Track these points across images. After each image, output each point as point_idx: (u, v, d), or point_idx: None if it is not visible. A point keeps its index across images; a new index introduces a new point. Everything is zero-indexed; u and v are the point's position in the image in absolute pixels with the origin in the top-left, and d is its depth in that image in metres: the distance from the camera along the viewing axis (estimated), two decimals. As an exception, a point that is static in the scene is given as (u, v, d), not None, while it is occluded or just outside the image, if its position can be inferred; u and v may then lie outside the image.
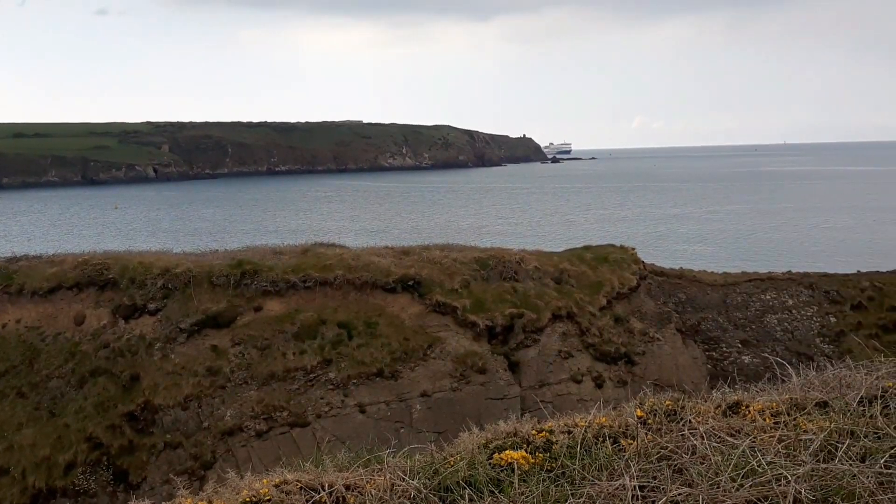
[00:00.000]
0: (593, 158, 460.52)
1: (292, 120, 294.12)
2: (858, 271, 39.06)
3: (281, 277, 28.66)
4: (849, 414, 4.45)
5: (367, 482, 4.32)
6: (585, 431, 4.67)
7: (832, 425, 4.21)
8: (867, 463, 3.73)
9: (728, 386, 5.92)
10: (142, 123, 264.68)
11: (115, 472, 24.79)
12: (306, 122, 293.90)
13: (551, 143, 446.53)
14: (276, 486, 4.38)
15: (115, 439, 25.23)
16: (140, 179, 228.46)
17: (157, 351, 26.97)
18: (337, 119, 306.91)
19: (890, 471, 3.59)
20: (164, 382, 26.13)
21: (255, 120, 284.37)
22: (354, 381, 26.69)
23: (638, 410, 4.97)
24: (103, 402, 25.93)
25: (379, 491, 4.19)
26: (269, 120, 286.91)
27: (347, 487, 4.29)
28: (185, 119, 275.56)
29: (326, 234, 72.42)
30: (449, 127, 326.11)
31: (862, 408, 4.52)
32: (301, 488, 4.34)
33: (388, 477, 4.29)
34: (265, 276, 28.63)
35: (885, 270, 38.86)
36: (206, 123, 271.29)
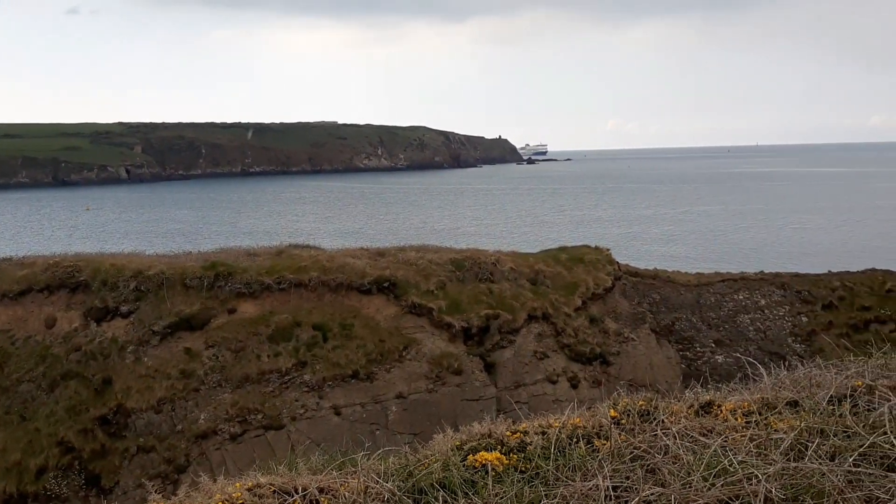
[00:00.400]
0: (568, 160, 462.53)
1: (266, 121, 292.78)
2: (829, 271, 39.57)
3: (255, 279, 28.49)
4: (818, 413, 4.50)
5: (341, 485, 4.30)
6: (559, 432, 4.68)
7: (802, 424, 4.26)
8: (836, 461, 3.77)
9: (701, 385, 5.97)
10: (114, 124, 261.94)
11: (88, 476, 24.49)
12: (281, 123, 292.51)
13: (527, 145, 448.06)
14: (249, 489, 4.35)
15: (87, 443, 24.93)
16: (112, 180, 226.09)
17: (129, 354, 26.70)
18: (312, 120, 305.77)
19: (858, 469, 3.64)
20: (137, 385, 25.86)
21: (229, 120, 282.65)
22: (329, 383, 26.59)
23: (612, 411, 4.99)
24: (75, 406, 25.61)
25: (352, 494, 4.18)
26: (243, 120, 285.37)
27: (321, 490, 4.27)
28: (158, 119, 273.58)
29: (301, 235, 72.14)
30: (424, 128, 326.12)
31: (831, 407, 4.58)
32: (274, 492, 4.31)
33: (361, 480, 4.27)
34: (239, 277, 28.45)
35: (855, 270, 39.39)
36: (180, 124, 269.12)
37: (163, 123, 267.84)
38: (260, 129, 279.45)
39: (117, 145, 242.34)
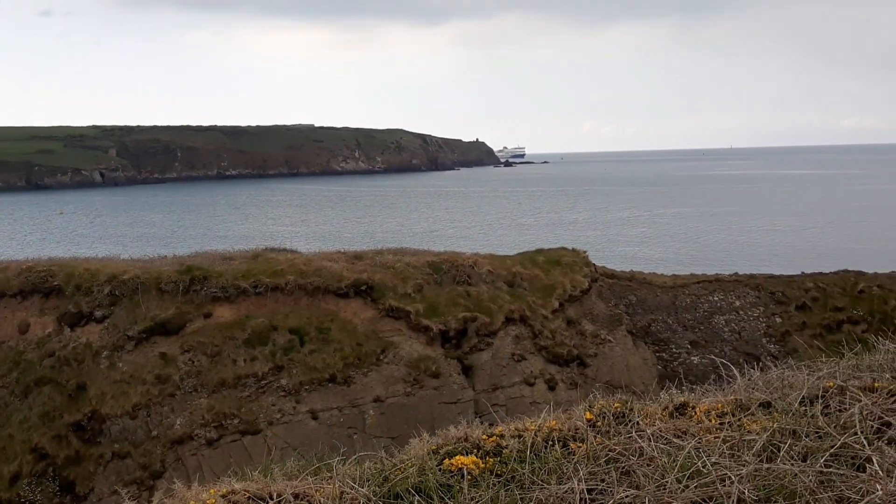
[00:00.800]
0: (545, 162, 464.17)
1: (243, 124, 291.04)
2: (803, 273, 39.98)
3: (231, 283, 28.31)
4: (791, 414, 4.54)
5: (317, 490, 4.28)
6: (535, 435, 4.69)
7: (775, 425, 4.30)
8: (808, 462, 3.81)
9: (676, 387, 6.00)
10: (88, 127, 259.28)
11: (62, 483, 24.20)
12: (257, 126, 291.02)
13: (505, 147, 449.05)
14: (224, 496, 4.32)
15: (61, 450, 24.64)
16: (86, 184, 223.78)
17: (104, 359, 26.42)
18: (288, 123, 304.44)
19: (830, 469, 3.67)
20: (112, 391, 25.60)
21: (205, 124, 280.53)
22: (307, 387, 26.47)
23: (587, 413, 5.01)
24: (49, 412, 25.31)
25: (328, 499, 4.16)
26: (219, 123, 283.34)
27: (296, 496, 4.24)
28: (133, 122, 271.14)
29: (277, 238, 71.77)
30: (402, 131, 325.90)
31: (803, 408, 4.62)
32: (249, 498, 4.28)
33: (337, 485, 4.25)
34: (215, 281, 28.25)
35: (828, 272, 39.84)
36: (155, 127, 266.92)
37: (138, 126, 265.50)
38: (236, 131, 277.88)
39: (91, 149, 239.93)
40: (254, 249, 33.52)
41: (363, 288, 29.80)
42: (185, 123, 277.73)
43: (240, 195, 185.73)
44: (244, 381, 26.18)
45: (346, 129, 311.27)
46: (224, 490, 4.39)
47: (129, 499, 6.85)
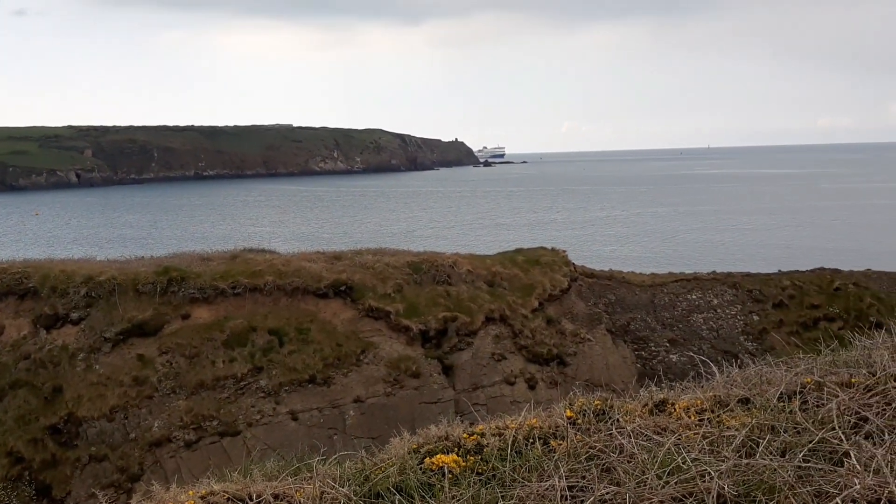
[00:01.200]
0: (524, 162, 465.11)
1: (220, 124, 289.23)
2: (780, 271, 40.36)
3: (209, 284, 28.13)
4: (769, 410, 4.57)
5: (296, 491, 4.25)
6: (516, 433, 4.69)
7: (753, 421, 4.32)
8: (787, 457, 3.83)
9: (656, 384, 6.02)
10: (63, 128, 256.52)
11: (38, 486, 23.94)
12: (235, 126, 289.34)
13: (485, 147, 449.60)
14: (202, 497, 4.28)
15: (37, 453, 24.37)
16: (62, 185, 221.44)
17: (80, 361, 26.15)
18: (266, 123, 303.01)
19: (808, 464, 3.70)
20: (89, 394, 25.35)
21: (182, 124, 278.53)
22: (286, 388, 26.35)
23: (568, 411, 5.01)
24: (24, 416, 25.02)
25: (308, 499, 4.13)
26: (197, 124, 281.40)
27: (276, 497, 4.21)
28: (109, 123, 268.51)
29: (255, 239, 71.48)
30: (381, 131, 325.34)
31: (782, 403, 4.65)
32: (228, 499, 4.24)
33: (317, 485, 4.23)
34: (193, 282, 28.06)
35: (804, 270, 40.24)
36: (131, 127, 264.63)
37: (114, 127, 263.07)
38: (214, 132, 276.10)
39: (67, 149, 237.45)
40: (232, 250, 33.34)
41: (343, 288, 29.72)
42: (161, 123, 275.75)
43: (217, 196, 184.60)
44: (223, 382, 26.01)
45: (324, 129, 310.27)
46: (203, 491, 4.35)
47: (106, 502, 6.78)
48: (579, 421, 4.85)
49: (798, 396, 4.71)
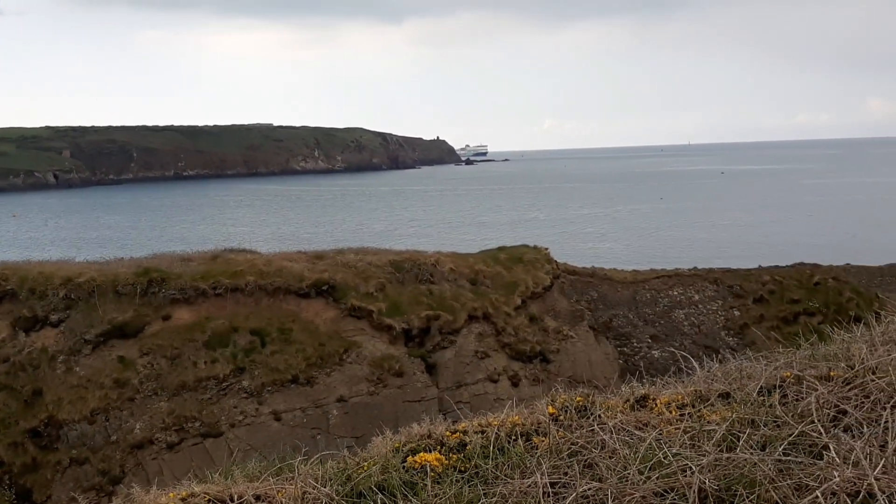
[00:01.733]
0: (506, 160, 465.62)
1: (200, 123, 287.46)
2: (760, 266, 40.72)
3: (190, 285, 27.97)
4: (749, 404, 4.59)
5: (278, 491, 4.23)
6: (499, 431, 4.69)
7: (734, 415, 4.34)
8: (767, 451, 3.85)
9: (637, 380, 6.05)
10: (41, 128, 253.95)
11: (18, 490, 23.69)
12: (215, 126, 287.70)
13: (467, 146, 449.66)
14: (183, 499, 4.25)
15: (17, 457, 24.13)
16: (40, 186, 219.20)
17: (60, 364, 25.92)
18: (247, 122, 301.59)
19: (788, 458, 3.72)
20: (69, 396, 25.13)
21: (162, 123, 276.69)
22: (269, 388, 26.25)
23: (550, 407, 5.02)
24: (4, 419, 24.76)
25: (289, 500, 4.11)
26: (177, 123, 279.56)
27: (257, 498, 4.19)
28: (88, 123, 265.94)
29: (236, 239, 71.13)
30: (362, 129, 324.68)
31: (762, 398, 4.68)
32: (209, 500, 4.22)
33: (298, 485, 4.21)
34: (173, 283, 27.89)
35: (784, 265, 40.60)
36: (110, 128, 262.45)
37: (92, 127, 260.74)
38: (194, 131, 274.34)
39: (45, 150, 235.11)
40: (212, 250, 33.17)
41: (325, 288, 29.65)
42: (141, 123, 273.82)
43: (198, 196, 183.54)
44: (205, 383, 25.88)
45: (305, 128, 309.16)
46: (184, 493, 4.32)
47: (86, 505, 6.72)
48: (561, 417, 4.86)
49: (778, 390, 4.74)
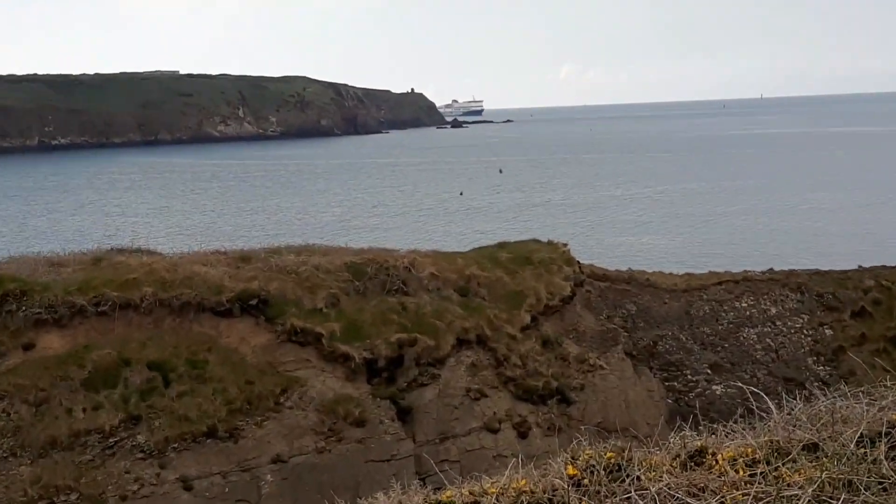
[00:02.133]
0: (509, 121, 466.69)
1: (76, 72, 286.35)
2: (860, 266, 40.85)
3: (62, 300, 27.90)
4: (845, 459, 4.63)
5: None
6: (498, 500, 4.72)
7: (824, 476, 4.38)
8: (871, 524, 3.90)
9: (692, 427, 6.08)
10: None
11: None
12: (97, 75, 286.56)
13: (454, 101, 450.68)
14: None
15: None
16: None
17: None
18: (142, 70, 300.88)
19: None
20: None
21: (20, 72, 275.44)
22: (175, 444, 26.23)
23: (570, 467, 5.06)
24: None
25: None
26: (42, 72, 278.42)
27: None
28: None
29: (127, 235, 70.80)
30: (306, 79, 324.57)
31: (862, 450, 4.72)
32: None
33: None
34: (37, 298, 27.81)
35: (894, 265, 40.78)
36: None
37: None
38: (66, 83, 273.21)
39: None
40: (94, 251, 33.09)
41: (253, 302, 29.62)
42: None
43: (73, 174, 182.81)
44: (84, 439, 25.83)
45: (224, 77, 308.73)
46: None
47: None
48: (586, 481, 4.89)
49: (884, 440, 4.79)
